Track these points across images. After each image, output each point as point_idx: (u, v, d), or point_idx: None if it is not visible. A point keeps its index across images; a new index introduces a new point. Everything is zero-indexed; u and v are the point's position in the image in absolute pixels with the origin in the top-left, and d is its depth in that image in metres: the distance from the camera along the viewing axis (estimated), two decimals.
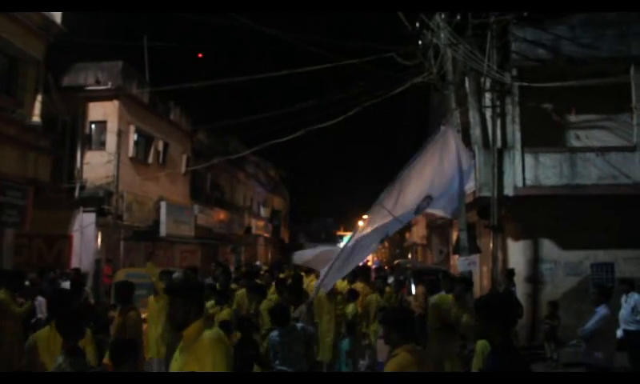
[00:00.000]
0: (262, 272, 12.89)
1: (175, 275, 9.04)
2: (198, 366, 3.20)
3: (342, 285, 10.19)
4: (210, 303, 8.13)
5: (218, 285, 9.28)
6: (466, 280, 8.38)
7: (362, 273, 10.58)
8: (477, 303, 3.62)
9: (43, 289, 10.79)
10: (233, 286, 9.57)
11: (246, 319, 6.84)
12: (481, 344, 5.83)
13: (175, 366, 3.36)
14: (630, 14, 12.29)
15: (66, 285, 11.36)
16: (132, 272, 12.87)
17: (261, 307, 8.01)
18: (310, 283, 10.77)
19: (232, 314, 7.75)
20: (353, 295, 9.18)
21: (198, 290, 3.58)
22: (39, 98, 14.34)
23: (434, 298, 7.97)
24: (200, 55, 26.99)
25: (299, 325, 6.73)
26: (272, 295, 8.73)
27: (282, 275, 10.46)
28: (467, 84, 13.32)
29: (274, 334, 6.43)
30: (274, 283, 9.89)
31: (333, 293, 9.03)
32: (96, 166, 17.64)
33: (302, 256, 10.50)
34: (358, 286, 9.81)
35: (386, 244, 39.12)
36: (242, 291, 9.05)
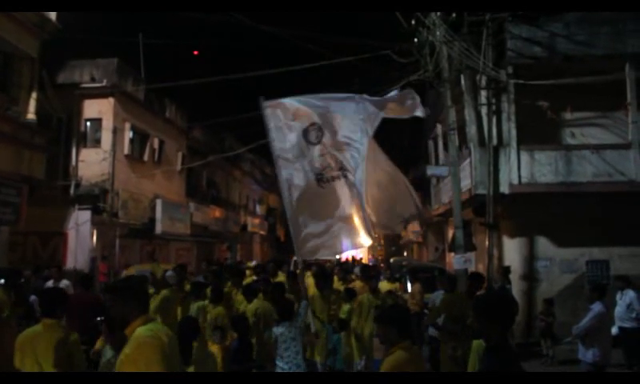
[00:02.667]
0: (247, 270, 12.69)
1: (168, 274, 9.04)
2: (134, 365, 2.99)
3: (339, 284, 10.10)
4: (205, 302, 8.10)
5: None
6: (476, 276, 8.30)
7: (361, 272, 10.49)
8: (475, 302, 3.58)
9: (37, 287, 10.73)
10: (228, 284, 9.47)
11: (241, 319, 6.80)
12: (477, 343, 5.80)
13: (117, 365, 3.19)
14: (625, 12, 12.30)
15: (49, 284, 11.31)
16: (141, 269, 12.87)
17: (248, 307, 7.72)
18: (304, 280, 10.62)
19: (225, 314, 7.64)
20: (350, 295, 9.07)
21: (138, 288, 3.39)
22: (34, 95, 14.27)
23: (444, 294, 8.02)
24: (196, 52, 26.96)
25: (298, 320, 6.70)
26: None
27: (272, 278, 10.15)
28: (463, 81, 13.34)
29: (278, 329, 6.35)
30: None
31: (328, 291, 8.96)
32: (91, 164, 17.61)
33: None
34: (357, 284, 9.69)
35: (382, 241, 39.02)
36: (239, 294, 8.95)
